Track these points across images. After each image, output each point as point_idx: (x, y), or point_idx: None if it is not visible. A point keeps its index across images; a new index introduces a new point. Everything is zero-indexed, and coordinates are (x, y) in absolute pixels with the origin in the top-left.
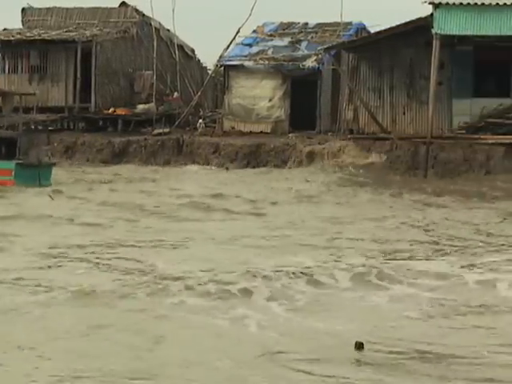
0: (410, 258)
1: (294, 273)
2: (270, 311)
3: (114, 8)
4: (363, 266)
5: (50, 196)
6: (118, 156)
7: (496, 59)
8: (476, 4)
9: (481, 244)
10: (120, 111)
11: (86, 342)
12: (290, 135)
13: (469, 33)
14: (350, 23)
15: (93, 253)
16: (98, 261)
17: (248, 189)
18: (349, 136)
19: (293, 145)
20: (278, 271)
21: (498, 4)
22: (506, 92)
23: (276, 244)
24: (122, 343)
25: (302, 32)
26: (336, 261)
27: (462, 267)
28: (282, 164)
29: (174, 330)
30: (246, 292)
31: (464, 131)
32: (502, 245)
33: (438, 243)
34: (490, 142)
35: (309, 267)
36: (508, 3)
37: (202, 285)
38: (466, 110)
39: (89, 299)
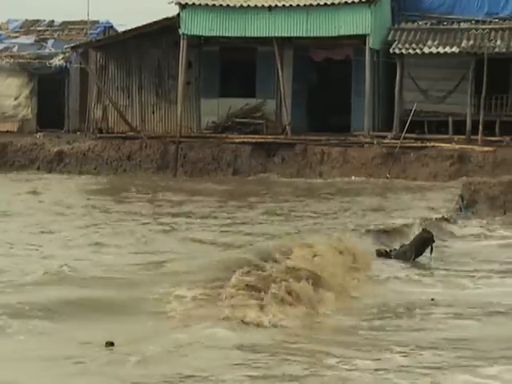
0: None
1: None
2: None
3: None
4: None
5: None
6: None
7: (241, 60)
8: (221, 5)
9: None
10: None
11: None
12: (38, 134)
13: (215, 34)
14: (97, 22)
15: None
16: None
17: None
18: (98, 135)
19: (41, 144)
20: None
21: (242, 6)
22: (252, 92)
23: None
24: None
25: (48, 30)
26: None
27: None
28: (29, 164)
29: None
30: None
31: (212, 130)
32: None
33: None
34: (237, 141)
35: None
36: (252, 5)
37: None
38: (214, 109)
39: None
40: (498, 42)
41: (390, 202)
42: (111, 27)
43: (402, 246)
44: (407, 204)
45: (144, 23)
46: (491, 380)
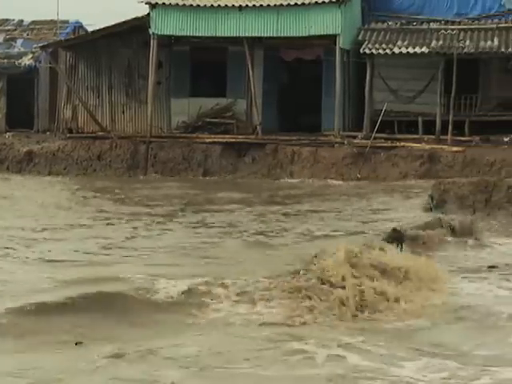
0: None
1: None
2: None
3: None
4: None
5: None
6: None
7: (212, 60)
8: (192, 5)
9: None
10: None
11: None
12: (7, 134)
13: (185, 33)
14: (66, 21)
15: None
16: None
17: None
18: (68, 135)
19: (10, 144)
20: None
21: (212, 6)
22: (222, 92)
23: None
24: None
25: (17, 29)
26: None
27: None
28: None
29: None
30: None
31: (182, 130)
32: None
33: None
34: (208, 141)
35: None
36: (222, 5)
37: None
38: (185, 109)
39: None
40: (467, 43)
41: (364, 203)
42: (81, 27)
43: None
44: (384, 205)
45: (114, 23)
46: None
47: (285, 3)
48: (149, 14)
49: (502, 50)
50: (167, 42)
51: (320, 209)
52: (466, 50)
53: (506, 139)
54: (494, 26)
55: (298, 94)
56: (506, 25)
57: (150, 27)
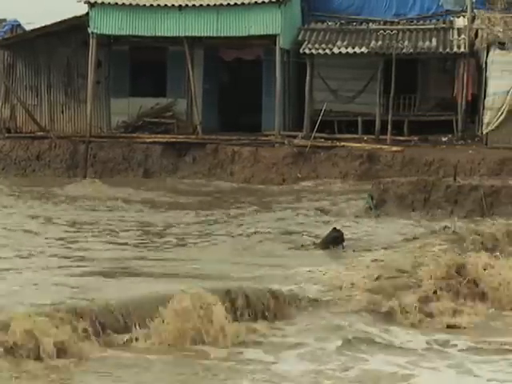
0: None
1: None
2: None
3: None
4: None
5: None
6: None
7: (152, 59)
8: (131, 4)
9: None
10: None
11: None
12: None
13: (125, 33)
14: (4, 20)
15: None
16: None
17: None
18: (6, 135)
19: None
20: None
21: (152, 5)
22: (163, 92)
23: None
24: None
25: None
26: None
27: None
28: None
29: None
30: None
31: (123, 130)
32: None
33: None
34: (148, 140)
35: None
36: (162, 5)
37: None
38: (124, 109)
39: None
40: (406, 43)
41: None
42: (19, 26)
43: (314, 243)
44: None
45: (53, 22)
46: None
47: (225, 3)
48: (88, 13)
49: (440, 50)
50: (106, 41)
51: (258, 211)
52: (404, 51)
53: (444, 139)
54: (432, 26)
55: (239, 93)
56: (443, 25)
57: (89, 26)
